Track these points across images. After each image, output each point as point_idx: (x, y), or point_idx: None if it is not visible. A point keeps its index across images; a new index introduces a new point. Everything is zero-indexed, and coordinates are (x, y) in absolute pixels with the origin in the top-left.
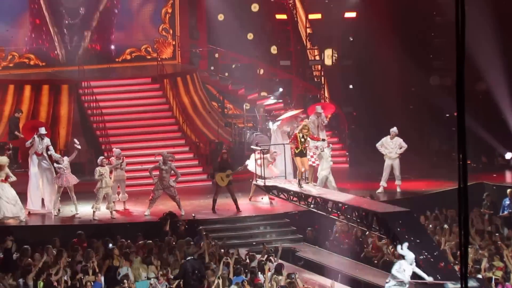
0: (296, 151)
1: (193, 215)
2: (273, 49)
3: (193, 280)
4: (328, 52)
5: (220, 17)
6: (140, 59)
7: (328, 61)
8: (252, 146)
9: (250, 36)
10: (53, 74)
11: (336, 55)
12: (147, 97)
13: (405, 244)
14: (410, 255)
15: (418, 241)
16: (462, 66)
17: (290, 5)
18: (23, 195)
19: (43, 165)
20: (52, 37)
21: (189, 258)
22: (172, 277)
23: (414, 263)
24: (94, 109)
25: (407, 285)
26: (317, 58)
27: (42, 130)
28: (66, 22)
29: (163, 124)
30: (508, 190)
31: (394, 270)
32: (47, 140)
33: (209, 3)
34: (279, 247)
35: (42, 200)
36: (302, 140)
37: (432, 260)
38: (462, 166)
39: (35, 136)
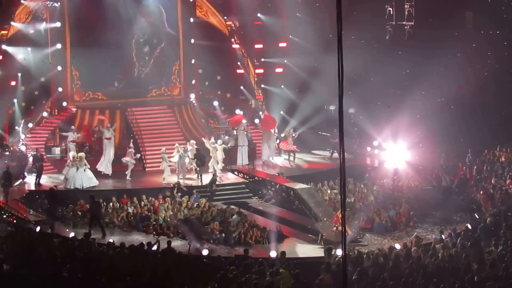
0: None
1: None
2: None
3: None
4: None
5: (200, 71)
6: (160, 95)
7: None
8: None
9: (218, 77)
10: (111, 103)
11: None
12: (165, 117)
13: None
14: None
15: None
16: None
17: (245, 64)
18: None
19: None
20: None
21: None
22: None
23: None
24: (134, 124)
25: None
26: (261, 95)
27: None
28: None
29: (173, 133)
30: (368, 168)
31: None
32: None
33: (199, 63)
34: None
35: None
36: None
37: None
38: (341, 154)
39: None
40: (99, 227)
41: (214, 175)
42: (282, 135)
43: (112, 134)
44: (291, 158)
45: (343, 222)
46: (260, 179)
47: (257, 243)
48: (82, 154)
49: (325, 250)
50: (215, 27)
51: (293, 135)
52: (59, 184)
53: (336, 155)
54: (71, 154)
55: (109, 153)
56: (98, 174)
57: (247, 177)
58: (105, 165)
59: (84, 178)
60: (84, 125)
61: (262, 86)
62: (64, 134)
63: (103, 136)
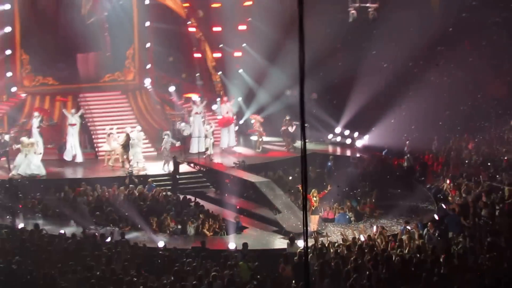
0: (313, 209)
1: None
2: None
3: None
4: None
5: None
6: (114, 80)
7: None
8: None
9: (171, 58)
10: (63, 89)
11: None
12: (118, 104)
13: None
14: None
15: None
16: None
17: (202, 48)
18: None
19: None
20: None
21: None
22: None
23: None
24: (86, 110)
25: None
26: (218, 80)
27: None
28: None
29: (128, 119)
30: (330, 157)
31: None
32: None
33: (155, 48)
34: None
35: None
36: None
37: None
38: (303, 142)
39: None
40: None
41: (176, 162)
42: (252, 121)
43: (77, 121)
44: (258, 143)
45: (304, 213)
46: (218, 171)
47: (215, 235)
48: (33, 140)
49: (288, 241)
50: (171, 9)
51: (260, 119)
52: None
53: (297, 143)
54: (24, 139)
55: (73, 140)
56: (64, 162)
57: (204, 169)
58: (69, 153)
59: (30, 166)
60: (36, 108)
61: (220, 73)
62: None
63: (67, 123)
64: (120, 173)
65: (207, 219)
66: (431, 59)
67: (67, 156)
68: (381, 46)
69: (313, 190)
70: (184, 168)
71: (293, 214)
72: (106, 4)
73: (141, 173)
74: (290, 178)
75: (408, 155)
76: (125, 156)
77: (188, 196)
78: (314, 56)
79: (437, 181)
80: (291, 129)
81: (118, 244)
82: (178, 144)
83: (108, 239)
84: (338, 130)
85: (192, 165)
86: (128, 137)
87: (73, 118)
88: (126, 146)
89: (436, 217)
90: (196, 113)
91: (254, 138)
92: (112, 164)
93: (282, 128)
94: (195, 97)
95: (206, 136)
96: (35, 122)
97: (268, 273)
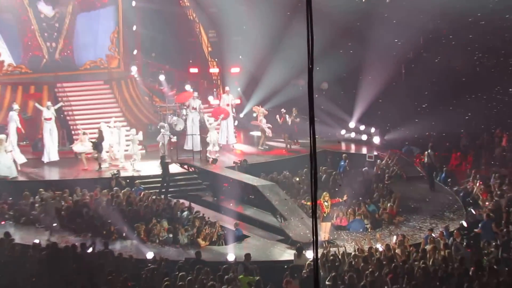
0: (325, 215)
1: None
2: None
3: None
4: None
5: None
6: (96, 68)
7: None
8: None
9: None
10: (37, 78)
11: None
12: (101, 94)
13: None
14: None
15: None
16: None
17: (196, 31)
18: None
19: None
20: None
21: None
22: None
23: None
24: (65, 102)
25: None
26: (215, 67)
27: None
28: (46, 34)
29: (111, 112)
30: (343, 155)
31: None
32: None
33: (142, 31)
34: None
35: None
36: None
37: None
38: (312, 139)
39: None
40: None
41: (165, 162)
42: (254, 114)
43: (53, 115)
44: (262, 140)
45: (314, 220)
46: (215, 173)
47: (212, 244)
48: (2, 136)
49: (295, 252)
50: None
51: (265, 111)
52: None
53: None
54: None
55: (49, 137)
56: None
57: (198, 170)
58: (46, 153)
59: None
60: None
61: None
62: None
63: (42, 117)
64: (104, 174)
65: (202, 226)
66: (458, 45)
67: (46, 158)
68: (399, 31)
69: (324, 193)
70: (176, 168)
71: (301, 221)
72: None
73: (129, 174)
74: (297, 179)
75: (429, 151)
76: (101, 156)
77: (181, 200)
78: (324, 39)
79: (465, 182)
80: (289, 119)
81: (101, 255)
82: (174, 139)
83: (90, 250)
84: (352, 125)
85: (186, 166)
86: (101, 135)
87: (49, 112)
88: (98, 145)
89: (464, 223)
90: (193, 108)
91: (256, 133)
92: (103, 167)
93: (280, 121)
94: (188, 87)
95: (209, 130)
96: (14, 115)
97: None
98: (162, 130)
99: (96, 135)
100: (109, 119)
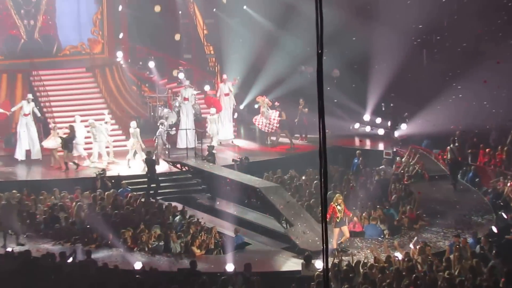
0: (338, 220)
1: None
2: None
3: None
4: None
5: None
6: (77, 54)
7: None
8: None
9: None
10: (10, 65)
11: None
12: (82, 83)
13: None
14: None
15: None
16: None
17: (190, 12)
18: None
19: None
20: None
21: None
22: None
23: None
24: (41, 92)
25: None
26: (212, 52)
27: None
28: (22, 11)
29: (95, 103)
30: (357, 152)
31: None
32: None
33: (128, 12)
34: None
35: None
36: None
37: None
38: (322, 133)
39: None
40: None
41: (150, 160)
42: (256, 105)
43: (30, 110)
44: (273, 138)
45: (324, 226)
46: (212, 172)
47: (209, 253)
48: None
49: (302, 261)
50: None
51: (269, 101)
52: None
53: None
54: None
55: (26, 133)
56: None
57: (193, 170)
58: (22, 151)
59: None
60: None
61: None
62: None
63: (22, 112)
64: (87, 174)
65: (198, 233)
66: (489, 29)
67: (20, 155)
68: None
69: (337, 195)
70: (166, 166)
71: (309, 227)
72: None
73: (115, 173)
74: (304, 178)
75: (452, 145)
76: (72, 154)
77: (174, 203)
78: (334, 22)
79: (495, 183)
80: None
81: (83, 265)
82: (173, 131)
83: (70, 259)
84: (366, 117)
85: (179, 165)
86: (73, 130)
87: (29, 106)
88: (68, 142)
89: (494, 229)
90: (185, 98)
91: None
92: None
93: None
94: (181, 75)
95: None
96: None
97: None
98: (161, 126)
99: (69, 131)
100: (92, 111)
